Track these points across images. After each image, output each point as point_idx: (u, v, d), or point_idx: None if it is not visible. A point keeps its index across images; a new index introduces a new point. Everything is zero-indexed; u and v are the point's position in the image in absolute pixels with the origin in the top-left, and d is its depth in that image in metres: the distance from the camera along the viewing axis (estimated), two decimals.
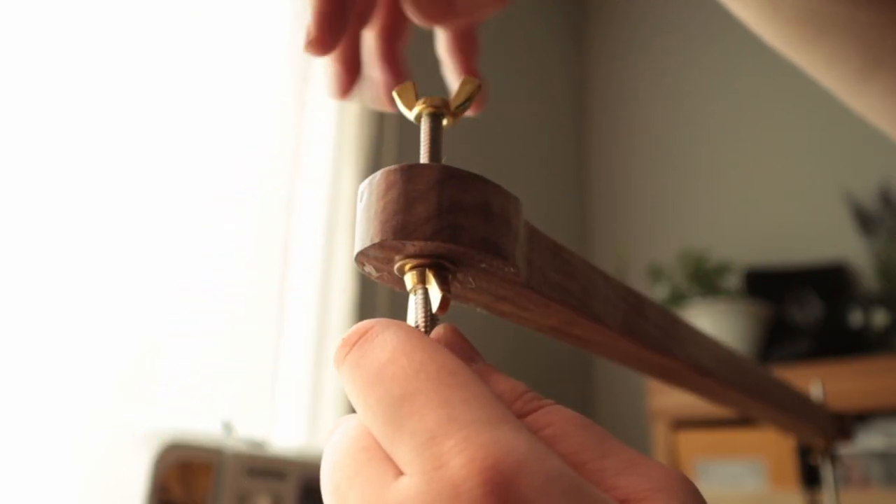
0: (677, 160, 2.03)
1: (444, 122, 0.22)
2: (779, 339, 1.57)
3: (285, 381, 1.33)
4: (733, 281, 1.64)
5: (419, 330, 0.20)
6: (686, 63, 2.10)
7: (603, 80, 2.28)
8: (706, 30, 2.08)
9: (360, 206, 0.21)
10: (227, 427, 1.00)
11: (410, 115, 0.22)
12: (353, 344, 0.19)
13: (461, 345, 0.21)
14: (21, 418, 1.01)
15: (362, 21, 0.35)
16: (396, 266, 0.21)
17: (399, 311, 0.20)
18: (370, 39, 0.36)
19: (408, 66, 0.37)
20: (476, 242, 0.19)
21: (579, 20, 2.39)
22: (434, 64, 0.41)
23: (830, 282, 1.60)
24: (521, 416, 0.18)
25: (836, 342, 1.49)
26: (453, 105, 0.22)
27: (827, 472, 0.55)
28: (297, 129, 1.46)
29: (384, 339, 0.18)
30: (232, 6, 1.38)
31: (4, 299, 1.02)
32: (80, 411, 1.06)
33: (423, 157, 0.21)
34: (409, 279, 0.21)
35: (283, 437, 1.27)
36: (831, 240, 1.68)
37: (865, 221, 1.59)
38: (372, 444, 0.17)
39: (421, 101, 0.22)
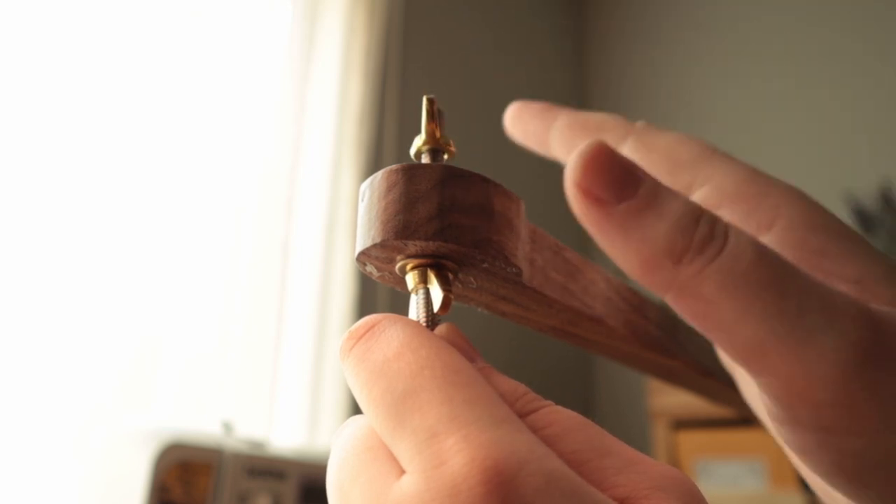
0: None
1: (445, 156, 0.22)
2: None
3: (285, 381, 1.33)
4: None
5: (426, 327, 0.20)
6: (686, 63, 2.10)
7: (603, 79, 2.28)
8: (706, 30, 2.08)
9: (362, 206, 0.21)
10: (227, 427, 1.00)
11: (413, 148, 0.22)
12: (359, 337, 0.19)
13: (461, 345, 0.21)
14: (21, 418, 1.01)
15: None
16: (398, 266, 0.21)
17: (399, 311, 0.20)
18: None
19: None
20: (478, 242, 0.19)
21: (579, 20, 2.39)
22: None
23: None
24: (521, 416, 0.18)
25: None
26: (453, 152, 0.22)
27: None
28: (297, 130, 1.46)
29: (391, 334, 0.18)
30: (232, 6, 1.38)
31: (5, 299, 1.02)
32: (80, 411, 1.06)
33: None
34: (411, 279, 0.21)
35: (283, 437, 1.27)
36: None
37: (865, 221, 1.59)
38: (377, 444, 0.17)
39: (422, 140, 0.22)
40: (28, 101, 1.08)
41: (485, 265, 0.20)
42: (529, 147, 0.31)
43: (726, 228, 0.18)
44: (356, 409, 0.25)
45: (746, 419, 1.29)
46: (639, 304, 0.28)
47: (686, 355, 0.30)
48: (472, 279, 0.22)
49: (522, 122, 0.29)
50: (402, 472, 0.16)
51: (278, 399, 1.32)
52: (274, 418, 1.30)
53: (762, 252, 0.18)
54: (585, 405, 2.02)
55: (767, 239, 0.22)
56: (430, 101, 0.22)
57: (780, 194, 0.23)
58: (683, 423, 1.53)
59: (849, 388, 0.18)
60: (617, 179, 0.18)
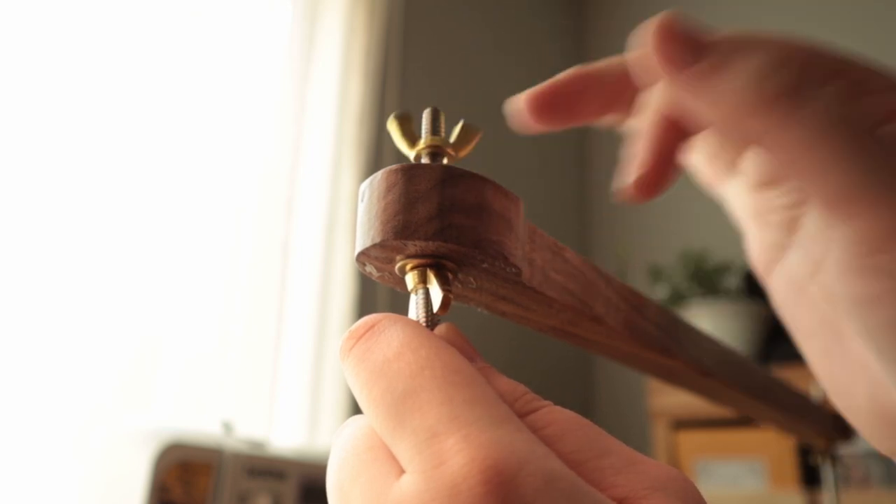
0: None
1: (444, 160, 0.22)
2: (779, 339, 1.57)
3: (285, 381, 1.33)
4: (733, 281, 1.64)
5: (425, 327, 0.20)
6: None
7: None
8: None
9: (361, 206, 0.21)
10: (227, 427, 1.00)
11: (410, 153, 0.22)
12: (359, 337, 0.19)
13: (461, 345, 0.21)
14: (21, 417, 1.01)
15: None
16: (398, 266, 0.21)
17: (399, 311, 0.20)
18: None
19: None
20: (477, 242, 0.19)
21: (579, 20, 2.39)
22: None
23: None
24: (521, 416, 0.18)
25: None
26: (455, 149, 0.22)
27: (827, 472, 0.55)
28: (297, 130, 1.46)
29: (391, 334, 0.18)
30: (232, 6, 1.38)
31: (5, 299, 1.02)
32: (80, 410, 1.06)
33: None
34: (411, 279, 0.21)
35: (283, 437, 1.27)
36: None
37: None
38: (377, 444, 0.17)
39: (421, 142, 0.22)
40: (28, 102, 1.08)
41: (484, 265, 0.20)
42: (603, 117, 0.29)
43: (810, 77, 0.19)
44: (356, 409, 0.25)
45: (746, 419, 1.28)
46: (638, 304, 0.28)
47: (686, 355, 0.30)
48: (471, 279, 0.22)
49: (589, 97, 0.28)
50: (403, 472, 0.16)
51: (278, 399, 1.32)
52: (274, 418, 1.30)
53: (851, 104, 0.19)
54: (585, 405, 2.02)
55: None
56: (435, 113, 0.22)
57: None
58: (683, 423, 1.53)
59: None
60: (696, 39, 0.19)
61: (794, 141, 0.19)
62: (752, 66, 0.19)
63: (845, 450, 1.29)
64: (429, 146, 0.22)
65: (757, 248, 0.29)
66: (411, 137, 0.22)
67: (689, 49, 0.19)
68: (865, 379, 0.24)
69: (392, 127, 0.22)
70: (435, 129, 0.22)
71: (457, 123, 0.23)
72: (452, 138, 0.22)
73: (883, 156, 0.18)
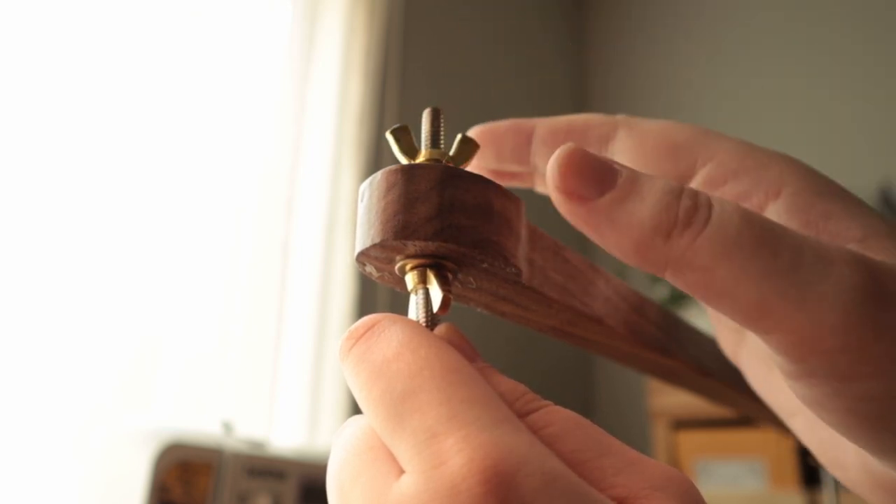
0: None
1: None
2: None
3: (285, 381, 1.33)
4: None
5: (425, 327, 0.20)
6: (686, 62, 2.10)
7: (603, 77, 2.29)
8: (706, 30, 2.08)
9: (361, 206, 0.21)
10: (227, 427, 1.00)
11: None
12: (358, 337, 0.19)
13: (461, 345, 0.21)
14: (21, 418, 1.01)
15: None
16: (397, 266, 0.21)
17: (399, 312, 0.20)
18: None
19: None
20: (477, 243, 0.19)
21: (579, 20, 2.39)
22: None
23: None
24: (521, 416, 0.18)
25: None
26: (455, 162, 0.22)
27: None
28: (297, 130, 1.46)
29: (390, 334, 0.18)
30: (232, 6, 1.38)
31: (5, 299, 1.02)
32: (80, 410, 1.06)
33: None
34: (410, 279, 0.21)
35: (283, 437, 1.27)
36: None
37: None
38: (377, 444, 0.17)
39: (421, 155, 0.22)
40: (28, 102, 1.08)
41: (484, 265, 0.20)
42: (504, 169, 0.29)
43: (709, 199, 0.19)
44: (356, 409, 0.25)
45: (746, 419, 1.28)
46: (638, 304, 0.28)
47: (686, 355, 0.30)
48: (471, 279, 0.22)
49: (496, 144, 0.27)
50: (403, 472, 0.16)
51: (278, 399, 1.32)
52: (274, 418, 1.30)
53: (748, 215, 0.19)
54: (585, 405, 2.02)
55: (776, 206, 0.22)
56: (435, 114, 0.22)
57: (781, 164, 0.23)
58: (683, 423, 1.53)
59: (855, 331, 0.18)
60: (595, 174, 0.19)
61: (698, 264, 0.18)
62: (652, 195, 0.19)
63: None
64: (428, 160, 0.22)
65: (719, 332, 0.28)
66: (411, 150, 0.22)
67: (598, 181, 0.19)
68: (855, 452, 0.24)
69: (390, 141, 0.22)
70: (435, 135, 0.22)
71: (457, 126, 0.23)
72: (452, 151, 0.22)
73: (784, 263, 0.18)
